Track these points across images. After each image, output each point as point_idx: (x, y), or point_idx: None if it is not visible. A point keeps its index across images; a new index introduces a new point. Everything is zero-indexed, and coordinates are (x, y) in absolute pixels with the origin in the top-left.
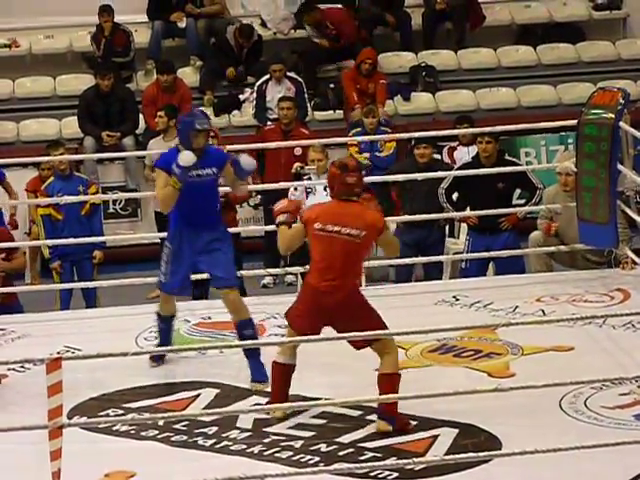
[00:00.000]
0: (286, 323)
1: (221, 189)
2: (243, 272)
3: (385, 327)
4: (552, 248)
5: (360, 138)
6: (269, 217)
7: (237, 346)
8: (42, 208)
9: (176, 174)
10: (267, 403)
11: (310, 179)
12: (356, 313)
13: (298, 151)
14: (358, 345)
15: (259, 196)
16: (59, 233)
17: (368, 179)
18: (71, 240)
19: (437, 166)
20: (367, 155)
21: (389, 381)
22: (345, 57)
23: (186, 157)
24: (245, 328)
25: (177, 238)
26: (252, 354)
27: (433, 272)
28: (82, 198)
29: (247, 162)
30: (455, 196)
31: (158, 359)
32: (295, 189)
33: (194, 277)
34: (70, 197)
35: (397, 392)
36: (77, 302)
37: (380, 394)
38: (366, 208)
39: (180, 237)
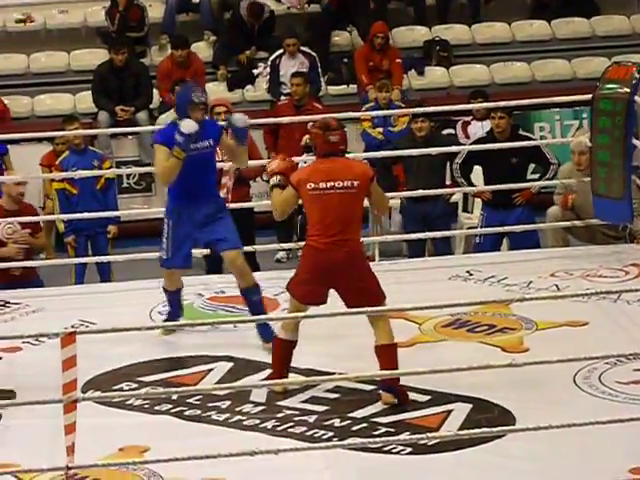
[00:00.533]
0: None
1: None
2: (257, 247)
3: (381, 288)
4: (567, 223)
5: (374, 113)
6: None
7: (250, 321)
8: (57, 182)
9: (180, 143)
10: (267, 378)
11: None
12: (360, 271)
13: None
14: (352, 306)
15: None
16: (73, 207)
17: (374, 154)
18: (85, 214)
19: (437, 139)
20: (381, 130)
21: (388, 352)
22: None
23: (188, 124)
24: (253, 294)
25: (176, 213)
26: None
27: (442, 246)
28: (96, 172)
29: (238, 118)
30: (477, 170)
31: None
32: (305, 162)
33: (207, 252)
34: (84, 171)
35: (397, 362)
36: (92, 276)
37: (381, 367)
38: (351, 160)
39: (180, 212)
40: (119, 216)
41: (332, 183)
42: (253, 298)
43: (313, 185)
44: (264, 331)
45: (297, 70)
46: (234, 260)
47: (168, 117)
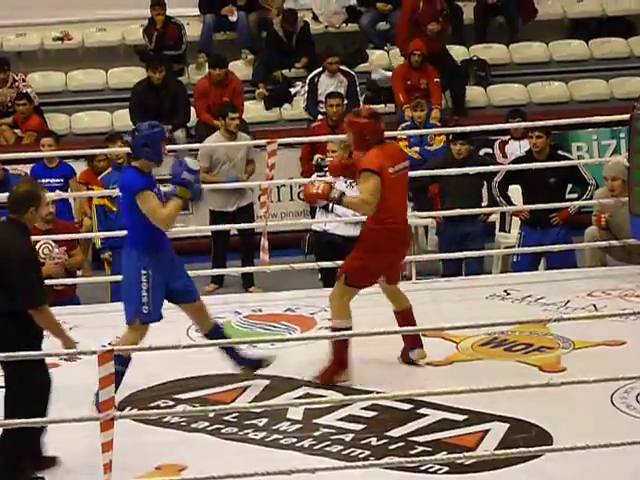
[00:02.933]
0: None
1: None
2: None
3: None
4: (605, 243)
5: (410, 132)
6: None
7: (285, 340)
8: (97, 199)
9: (188, 182)
10: (327, 370)
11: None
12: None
13: None
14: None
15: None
16: (112, 224)
17: (415, 173)
18: (124, 232)
19: (473, 160)
20: (417, 149)
21: (409, 314)
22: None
23: (194, 162)
24: (220, 331)
25: (154, 262)
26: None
27: (475, 266)
28: None
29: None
30: (516, 189)
31: None
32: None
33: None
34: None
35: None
36: None
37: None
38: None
39: (157, 261)
40: None
41: (400, 165)
42: (222, 333)
43: (392, 169)
44: (236, 357)
45: (335, 89)
46: (202, 307)
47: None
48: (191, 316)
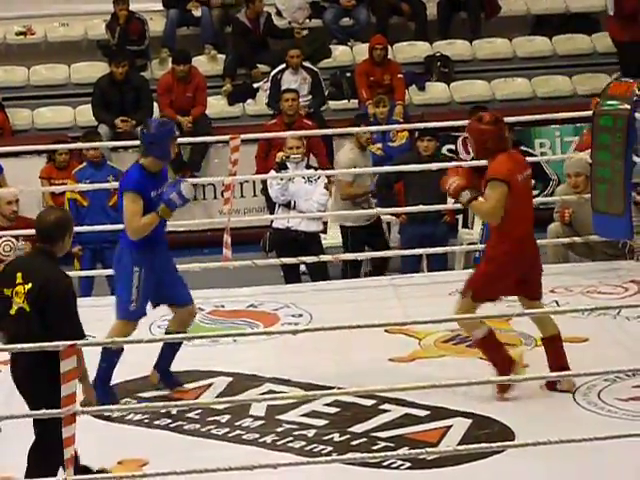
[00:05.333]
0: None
1: None
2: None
3: None
4: (567, 240)
5: (372, 128)
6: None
7: (250, 334)
8: (70, 193)
9: (174, 205)
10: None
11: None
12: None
13: None
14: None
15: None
16: (82, 219)
17: (378, 169)
18: (97, 227)
19: (440, 159)
20: (379, 145)
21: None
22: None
23: (190, 189)
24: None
25: (147, 260)
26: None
27: (437, 267)
28: (103, 186)
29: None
30: None
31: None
32: (281, 179)
33: None
34: (96, 185)
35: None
36: (101, 290)
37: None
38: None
39: (150, 259)
40: None
41: (526, 173)
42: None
43: (519, 177)
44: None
45: (299, 86)
46: (194, 310)
47: None
48: (177, 318)
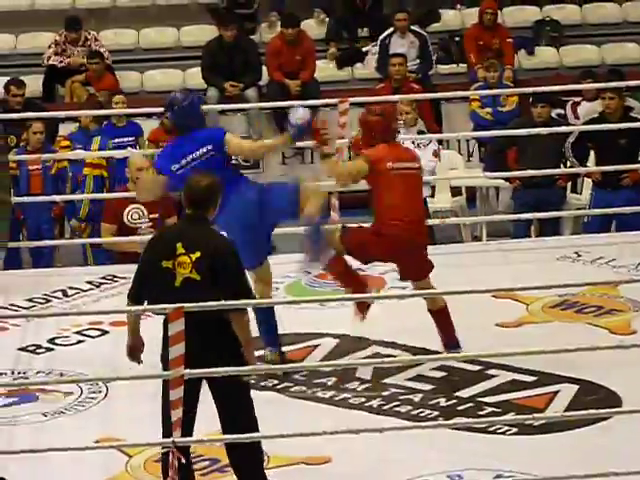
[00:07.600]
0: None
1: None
2: None
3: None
4: None
5: (483, 92)
6: None
7: (358, 299)
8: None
9: (290, 132)
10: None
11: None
12: (423, 253)
13: None
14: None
15: None
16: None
17: (488, 134)
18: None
19: (554, 124)
20: (489, 110)
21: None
22: None
23: (302, 112)
24: None
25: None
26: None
27: (549, 231)
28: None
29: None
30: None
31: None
32: None
33: None
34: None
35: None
36: None
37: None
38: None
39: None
40: None
41: (409, 164)
42: None
43: (392, 164)
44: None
45: (407, 50)
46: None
47: None
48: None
